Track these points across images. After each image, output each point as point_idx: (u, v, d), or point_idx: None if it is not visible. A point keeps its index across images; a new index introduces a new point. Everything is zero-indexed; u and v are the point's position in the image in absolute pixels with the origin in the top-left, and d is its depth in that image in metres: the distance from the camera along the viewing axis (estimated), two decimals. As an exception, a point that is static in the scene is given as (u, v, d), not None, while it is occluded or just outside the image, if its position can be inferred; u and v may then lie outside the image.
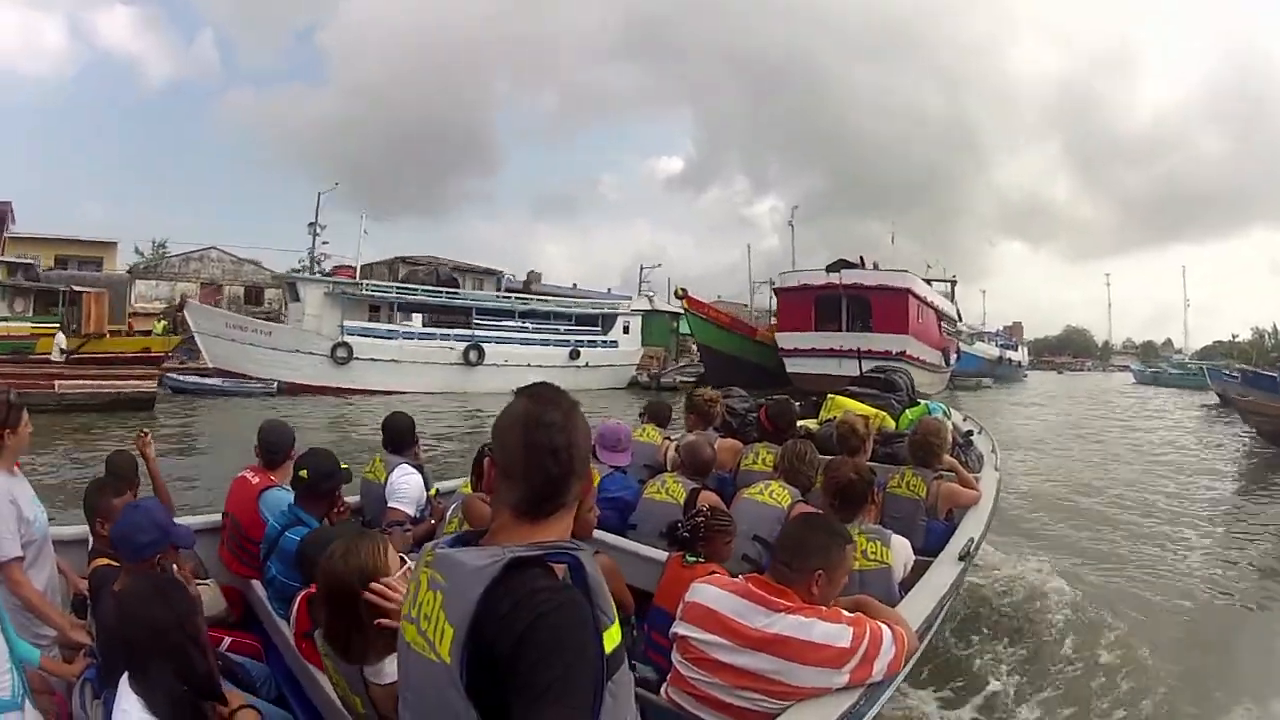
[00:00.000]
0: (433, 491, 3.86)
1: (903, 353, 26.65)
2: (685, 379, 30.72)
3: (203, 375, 22.71)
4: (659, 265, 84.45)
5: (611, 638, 1.13)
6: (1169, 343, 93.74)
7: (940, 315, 34.77)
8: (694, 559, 2.71)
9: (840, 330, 28.50)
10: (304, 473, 3.05)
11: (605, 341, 31.58)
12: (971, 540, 3.50)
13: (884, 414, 5.26)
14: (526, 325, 29.53)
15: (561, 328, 30.63)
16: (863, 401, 5.55)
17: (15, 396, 2.77)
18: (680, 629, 2.15)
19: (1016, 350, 59.09)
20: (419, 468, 3.82)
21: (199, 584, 2.95)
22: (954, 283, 45.67)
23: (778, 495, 3.44)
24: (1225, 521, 8.89)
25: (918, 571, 3.12)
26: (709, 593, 2.14)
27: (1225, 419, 21.98)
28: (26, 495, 2.77)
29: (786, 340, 30.28)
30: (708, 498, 3.45)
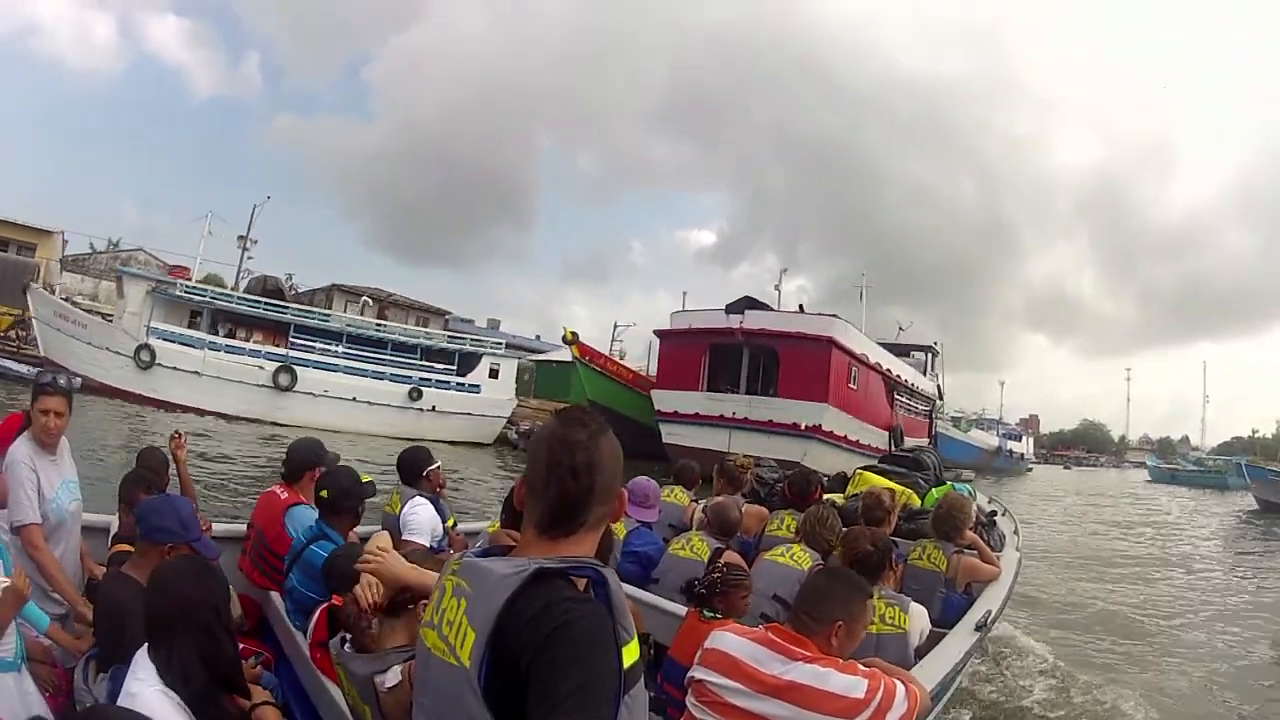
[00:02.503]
0: (450, 522, 3.88)
1: (815, 427, 20.90)
2: None
3: (20, 361, 21.74)
4: (635, 324, 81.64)
5: (630, 653, 1.14)
6: (1186, 439, 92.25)
7: (894, 385, 27.49)
8: (711, 614, 2.72)
9: (737, 391, 22.36)
10: (325, 493, 3.10)
11: (461, 385, 26.64)
12: (989, 613, 3.53)
13: (910, 491, 5.28)
14: (355, 352, 25.30)
15: (402, 361, 26.01)
16: (889, 478, 5.57)
17: (50, 380, 2.87)
18: (698, 673, 2.14)
19: (1020, 441, 55.73)
20: (434, 499, 3.87)
21: None
22: (934, 352, 37.81)
23: (799, 557, 3.47)
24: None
25: (932, 643, 3.14)
26: (729, 640, 2.14)
27: (1273, 532, 18.05)
28: (56, 475, 2.85)
29: (664, 400, 22.90)
30: (730, 557, 3.46)
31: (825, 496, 5.06)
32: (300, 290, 31.64)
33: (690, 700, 2.16)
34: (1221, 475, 42.52)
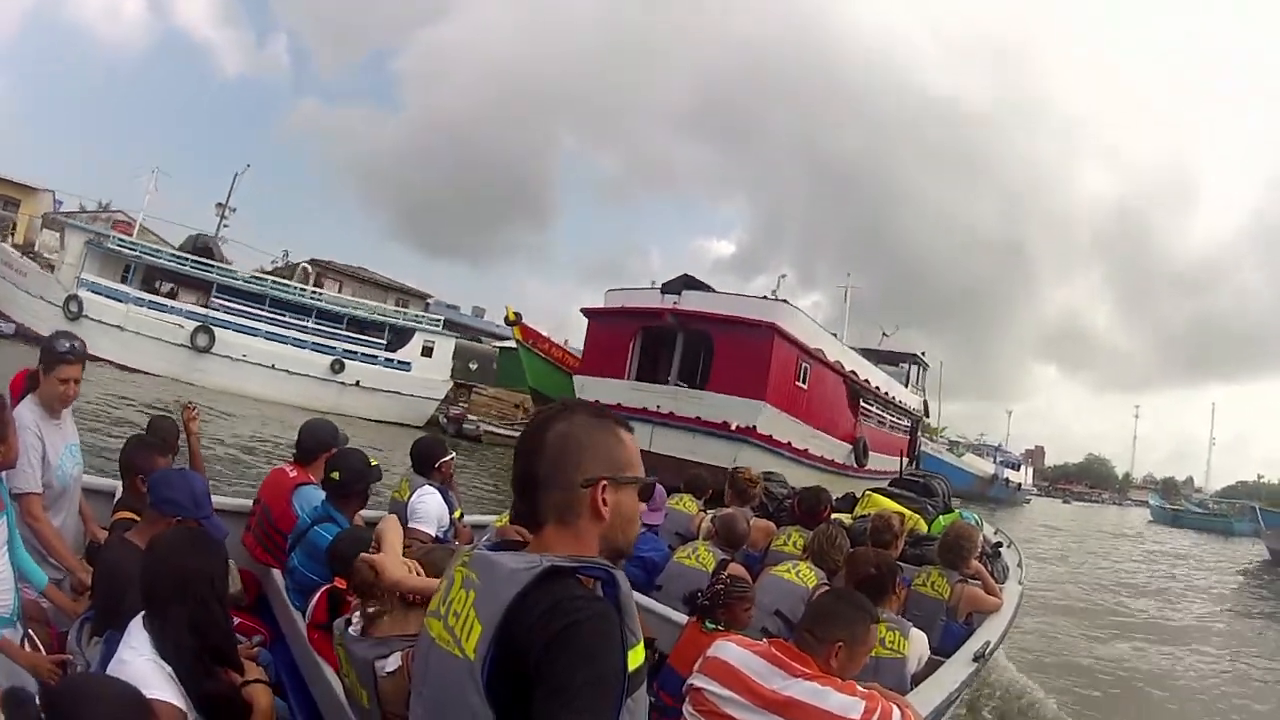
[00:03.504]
0: (457, 514, 3.87)
1: (748, 429, 17.06)
2: (495, 429, 24.20)
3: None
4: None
5: (636, 656, 1.14)
6: (1190, 480, 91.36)
7: (860, 391, 22.77)
8: (713, 626, 2.73)
9: (667, 383, 18.69)
10: (336, 474, 3.09)
11: (390, 361, 25.19)
12: (988, 644, 3.54)
13: (918, 517, 5.27)
14: (279, 317, 24.05)
15: (327, 330, 24.68)
16: (898, 502, 5.55)
17: (66, 347, 2.85)
18: (697, 681, 2.14)
19: (1019, 470, 52.66)
20: (444, 490, 3.87)
21: None
22: (920, 363, 32.08)
23: (804, 575, 3.46)
24: None
25: (929, 670, 3.15)
26: (732, 650, 2.14)
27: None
28: (59, 440, 2.84)
29: (586, 388, 19.37)
30: (734, 569, 3.46)
31: (835, 516, 5.06)
32: (287, 265, 31.11)
33: (687, 708, 2.15)
34: (1227, 519, 41.47)
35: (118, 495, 3.15)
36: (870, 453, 23.02)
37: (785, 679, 2.00)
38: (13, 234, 27.11)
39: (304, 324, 24.44)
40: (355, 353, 24.71)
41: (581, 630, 1.07)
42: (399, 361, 25.36)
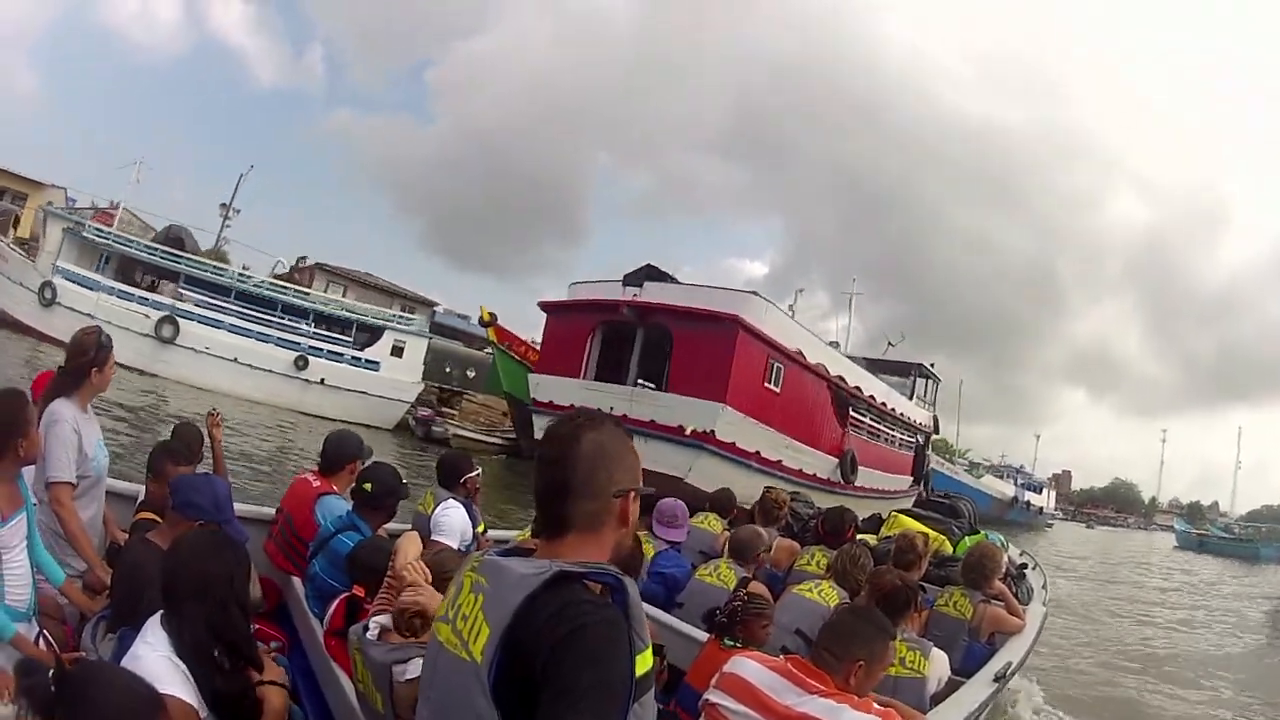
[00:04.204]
0: (481, 528, 3.89)
1: (705, 434, 15.08)
2: (466, 433, 23.01)
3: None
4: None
5: (643, 662, 1.14)
6: (1215, 505, 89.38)
7: (848, 399, 20.07)
8: (731, 643, 2.73)
9: (623, 382, 16.88)
10: (368, 486, 3.14)
11: (357, 359, 24.24)
12: (1009, 664, 3.51)
13: (943, 537, 5.23)
14: (244, 310, 23.46)
15: (291, 325, 23.93)
16: (924, 523, 5.53)
17: (108, 339, 2.98)
18: (713, 696, 2.12)
19: (1040, 493, 51.26)
20: (468, 504, 3.88)
21: None
22: (930, 377, 28.89)
23: (826, 594, 3.43)
24: None
25: (950, 691, 3.13)
26: (749, 666, 2.12)
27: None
28: (93, 434, 2.92)
29: (542, 388, 17.90)
30: (755, 587, 3.42)
31: (859, 537, 5.01)
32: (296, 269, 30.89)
33: (702, 724, 2.14)
34: (1254, 545, 40.38)
35: (140, 498, 3.21)
36: (862, 468, 20.65)
37: (800, 695, 1.98)
38: (16, 227, 27.39)
39: (269, 318, 23.71)
40: (320, 349, 23.88)
41: (588, 634, 1.08)
42: (367, 360, 24.40)
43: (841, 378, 19.65)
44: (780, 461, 17.03)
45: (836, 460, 19.53)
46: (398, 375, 24.66)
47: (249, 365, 22.56)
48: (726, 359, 15.20)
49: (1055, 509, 61.83)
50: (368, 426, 21.66)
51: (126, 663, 1.66)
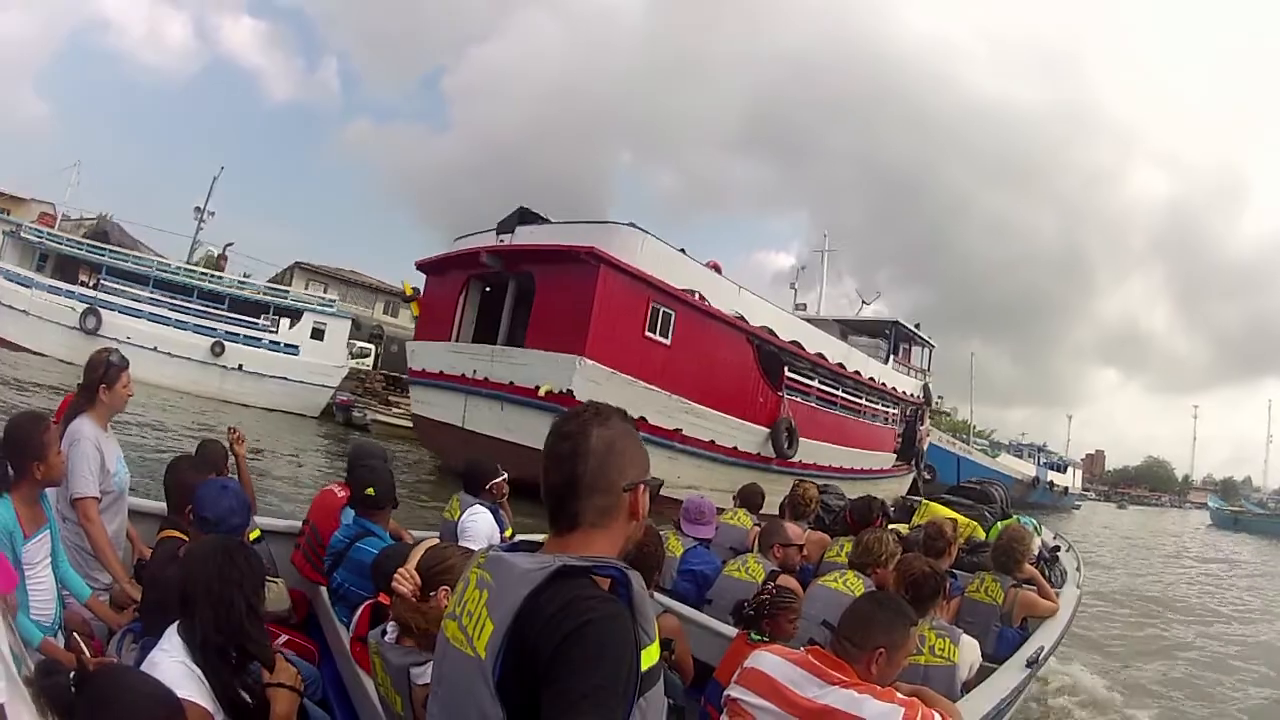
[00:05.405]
0: (509, 532, 3.90)
1: (561, 394, 12.22)
2: (382, 418, 22.54)
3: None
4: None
5: (649, 656, 1.13)
6: (1248, 480, 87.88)
7: (780, 357, 16.43)
8: (759, 637, 2.71)
9: (493, 341, 14.31)
10: (371, 490, 3.17)
11: (275, 344, 23.59)
12: (1041, 649, 3.45)
13: (975, 523, 5.15)
14: (162, 298, 23.30)
15: (207, 311, 23.53)
16: (955, 510, 5.49)
17: (119, 358, 3.05)
18: (734, 691, 2.10)
19: (1064, 472, 47.81)
20: (494, 509, 3.90)
21: (268, 581, 3.03)
22: (916, 339, 25.85)
23: (851, 584, 3.40)
24: None
25: (982, 677, 3.08)
26: (769, 660, 2.10)
27: None
28: (113, 450, 3.00)
29: (418, 355, 16.13)
30: (784, 580, 3.38)
31: (890, 526, 4.95)
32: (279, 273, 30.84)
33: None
34: None
35: (164, 515, 3.26)
36: (807, 441, 17.06)
37: (821, 687, 1.96)
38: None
39: (186, 305, 23.49)
40: (236, 334, 23.34)
41: (593, 629, 1.07)
42: (286, 344, 23.64)
43: (769, 329, 16.10)
44: (679, 430, 14.00)
45: (767, 431, 16.08)
46: (319, 359, 23.91)
47: (168, 354, 22.33)
48: (585, 302, 12.45)
49: (1084, 488, 59.82)
50: (291, 414, 22.13)
51: (144, 667, 1.69)
